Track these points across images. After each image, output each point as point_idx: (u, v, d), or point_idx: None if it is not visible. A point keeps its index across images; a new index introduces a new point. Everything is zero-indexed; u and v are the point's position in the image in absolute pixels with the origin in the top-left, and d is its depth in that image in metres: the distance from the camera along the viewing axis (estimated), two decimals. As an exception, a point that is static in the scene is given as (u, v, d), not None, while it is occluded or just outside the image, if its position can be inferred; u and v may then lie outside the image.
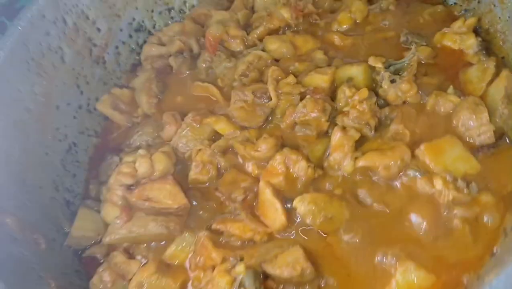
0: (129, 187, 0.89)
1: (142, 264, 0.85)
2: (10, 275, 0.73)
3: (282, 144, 0.89)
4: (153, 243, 0.87)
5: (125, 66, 1.18)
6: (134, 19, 1.17)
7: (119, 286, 0.84)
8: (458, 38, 0.95)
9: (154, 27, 1.20)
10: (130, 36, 1.18)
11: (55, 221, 0.94)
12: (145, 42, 1.18)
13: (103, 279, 0.83)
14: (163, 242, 0.86)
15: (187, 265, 0.83)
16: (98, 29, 1.10)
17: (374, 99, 0.87)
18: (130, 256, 0.87)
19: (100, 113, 1.11)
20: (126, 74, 1.17)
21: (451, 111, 0.86)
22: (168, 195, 0.85)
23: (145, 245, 0.87)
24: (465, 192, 0.77)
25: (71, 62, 1.05)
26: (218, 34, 1.05)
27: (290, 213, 0.82)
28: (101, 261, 0.89)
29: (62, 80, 1.04)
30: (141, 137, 1.01)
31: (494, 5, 0.92)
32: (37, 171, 0.95)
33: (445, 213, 0.77)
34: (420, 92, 0.89)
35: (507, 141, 0.83)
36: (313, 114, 0.87)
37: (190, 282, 0.82)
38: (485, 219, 0.76)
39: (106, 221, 0.92)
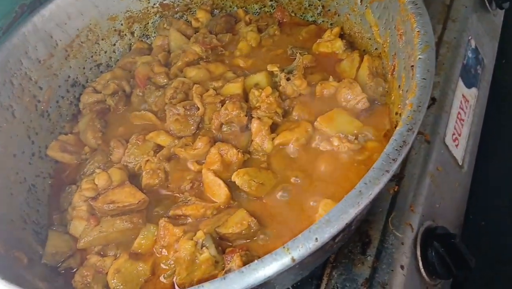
0: (92, 199, 1.05)
1: (116, 258, 1.00)
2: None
3: (214, 141, 1.10)
4: (122, 239, 1.02)
5: (66, 116, 1.34)
6: (69, 77, 1.35)
7: (99, 278, 0.97)
8: (329, 44, 1.25)
9: (87, 81, 1.39)
10: (68, 91, 1.35)
11: (30, 246, 1.06)
12: (81, 94, 1.36)
13: (84, 274, 0.96)
14: (131, 238, 1.02)
15: (154, 250, 1.00)
16: (40, 88, 1.28)
17: (277, 93, 1.13)
18: (103, 255, 1.01)
19: (51, 158, 1.26)
20: (68, 123, 1.33)
21: (334, 93, 1.14)
22: (128, 195, 1.02)
23: (115, 243, 1.02)
24: (355, 142, 1.03)
25: (21, 117, 1.21)
26: (145, 72, 1.28)
27: (230, 187, 1.02)
28: (76, 269, 1.02)
29: (15, 132, 1.19)
30: (93, 166, 1.17)
31: (349, 15, 1.24)
32: (7, 208, 1.07)
33: (345, 160, 1.02)
34: (309, 85, 1.17)
35: (377, 103, 1.11)
36: (234, 113, 1.10)
37: (161, 262, 0.98)
38: (374, 156, 1.02)
39: (75, 236, 1.06)
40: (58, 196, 1.18)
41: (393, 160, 0.73)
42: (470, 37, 1.60)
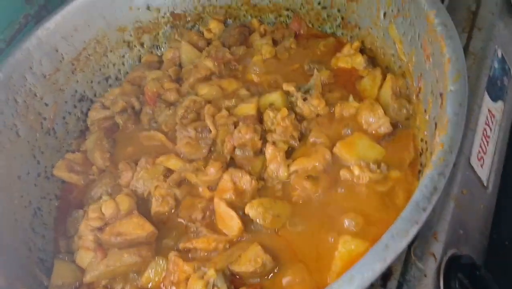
0: (99, 229, 1.00)
1: (123, 293, 0.95)
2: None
3: (227, 166, 1.04)
4: (130, 274, 0.97)
5: (73, 133, 1.29)
6: (76, 91, 1.31)
7: (106, 315, 0.93)
8: (349, 59, 1.18)
9: (95, 95, 1.34)
10: (75, 106, 1.30)
11: (34, 277, 1.01)
12: (88, 109, 1.31)
13: (91, 311, 0.92)
14: (138, 273, 0.97)
15: (162, 286, 0.95)
16: (46, 104, 1.23)
17: (293, 115, 1.07)
18: (110, 290, 0.97)
19: (57, 178, 1.21)
20: (75, 140, 1.28)
21: (354, 114, 1.07)
22: (136, 226, 0.97)
23: (122, 277, 0.97)
24: (377, 172, 0.96)
25: (25, 136, 1.16)
26: (155, 89, 1.22)
27: (244, 219, 0.96)
28: (83, 303, 0.98)
29: (19, 153, 1.14)
30: (100, 189, 1.12)
31: (371, 28, 1.16)
32: (10, 235, 1.03)
33: (366, 191, 0.96)
34: (327, 105, 1.10)
35: (401, 127, 1.04)
36: (247, 136, 1.04)
37: (169, 298, 0.93)
38: (398, 189, 0.95)
39: (82, 266, 1.01)
40: (65, 220, 1.13)
41: (423, 209, 0.67)
42: (496, 46, 1.51)
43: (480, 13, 1.54)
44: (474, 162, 1.28)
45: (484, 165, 1.32)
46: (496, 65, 1.47)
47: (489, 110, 1.39)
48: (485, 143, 1.34)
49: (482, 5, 1.55)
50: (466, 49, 1.45)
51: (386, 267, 0.65)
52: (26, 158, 1.16)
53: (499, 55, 1.50)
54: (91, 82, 1.34)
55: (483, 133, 1.34)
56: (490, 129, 1.37)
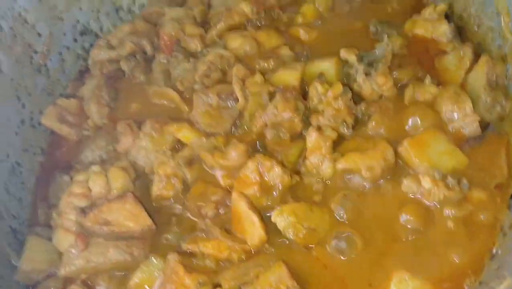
0: (83, 210, 0.79)
1: (104, 295, 0.75)
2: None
3: (253, 150, 0.81)
4: (115, 272, 0.77)
5: (70, 73, 1.08)
6: (78, 22, 1.08)
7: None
8: (430, 26, 0.92)
9: (101, 30, 1.11)
10: (75, 41, 1.08)
11: (1, 254, 0.82)
12: (91, 46, 1.08)
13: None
14: (126, 273, 0.77)
15: (156, 297, 0.74)
16: (39, 34, 1.01)
17: (350, 94, 0.82)
18: (91, 287, 0.77)
19: (45, 128, 1.01)
20: (72, 82, 1.08)
21: (431, 102, 0.81)
22: (129, 216, 0.76)
23: (106, 274, 0.77)
24: (456, 189, 0.72)
25: (9, 72, 0.96)
26: (173, 33, 0.98)
27: (268, 226, 0.74)
28: (56, 298, 0.79)
29: (2, 91, 0.92)
30: (93, 152, 0.92)
31: (466, -9, 0.88)
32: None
33: (436, 215, 0.72)
34: (395, 85, 0.84)
35: (492, 129, 0.78)
36: (285, 115, 0.80)
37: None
38: (481, 217, 0.71)
39: (59, 249, 0.81)
40: (47, 183, 0.93)
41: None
42: None
43: None
44: None
45: None
46: None
47: None
48: None
49: None
50: None
51: None
52: (8, 100, 0.96)
53: None
54: (98, 11, 1.11)
55: None
56: None
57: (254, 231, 0.73)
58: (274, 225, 0.74)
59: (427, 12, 0.93)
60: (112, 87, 1.00)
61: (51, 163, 0.98)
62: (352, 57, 0.84)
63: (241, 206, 0.75)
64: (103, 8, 1.10)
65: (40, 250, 0.83)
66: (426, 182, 0.72)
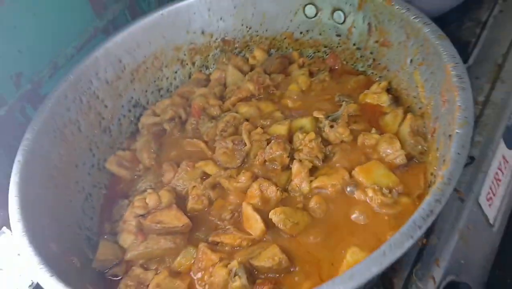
0: (142, 216, 1.16)
1: (157, 273, 1.10)
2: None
3: (256, 176, 1.19)
4: (165, 258, 1.12)
5: (125, 134, 1.47)
6: (132, 98, 1.48)
7: (140, 289, 1.08)
8: (376, 96, 1.32)
9: (147, 103, 1.52)
10: (129, 111, 1.48)
11: (82, 251, 1.17)
12: (141, 115, 1.48)
13: (128, 284, 1.07)
14: (171, 258, 1.12)
15: (191, 273, 1.09)
16: (106, 106, 1.41)
17: (319, 139, 1.21)
18: (146, 269, 1.12)
19: (108, 171, 1.38)
20: (127, 140, 1.46)
21: (374, 144, 1.21)
22: (174, 217, 1.12)
23: (157, 259, 1.13)
24: (389, 196, 1.09)
25: (85, 131, 1.34)
26: (201, 104, 1.39)
27: (267, 223, 1.10)
28: (121, 277, 1.13)
29: (79, 145, 1.31)
30: (145, 184, 1.28)
31: (398, 72, 1.30)
32: (65, 213, 1.19)
33: (376, 213, 1.08)
34: (351, 134, 1.24)
35: (415, 160, 1.17)
36: (278, 152, 1.19)
37: (196, 282, 1.07)
38: (406, 213, 1.08)
39: (123, 246, 1.17)
40: (111, 207, 1.30)
41: (419, 227, 0.80)
42: (517, 99, 1.62)
43: (505, 66, 1.66)
44: (483, 201, 1.39)
45: (493, 205, 1.43)
46: (514, 116, 1.58)
47: (503, 157, 1.50)
48: (496, 186, 1.44)
49: (508, 59, 1.67)
50: (487, 98, 1.58)
51: (381, 270, 0.77)
52: (84, 151, 1.33)
53: (519, 107, 1.60)
54: (146, 91, 1.51)
55: (495, 177, 1.45)
56: (502, 173, 1.48)
57: (257, 226, 1.09)
58: (271, 222, 1.11)
59: (374, 87, 1.34)
60: (158, 141, 1.37)
61: (112, 194, 1.35)
62: (321, 116, 1.25)
63: (248, 209, 1.11)
64: (150, 89, 1.52)
65: (109, 248, 1.17)
66: (370, 192, 1.10)
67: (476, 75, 1.62)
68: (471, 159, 1.42)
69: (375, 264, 0.77)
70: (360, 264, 0.77)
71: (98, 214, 1.30)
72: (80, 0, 1.50)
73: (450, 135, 0.93)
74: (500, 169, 1.48)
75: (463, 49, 1.66)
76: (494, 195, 1.44)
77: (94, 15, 1.56)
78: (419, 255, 1.24)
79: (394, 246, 0.78)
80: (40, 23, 1.39)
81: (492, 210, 1.43)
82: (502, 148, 1.51)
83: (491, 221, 1.42)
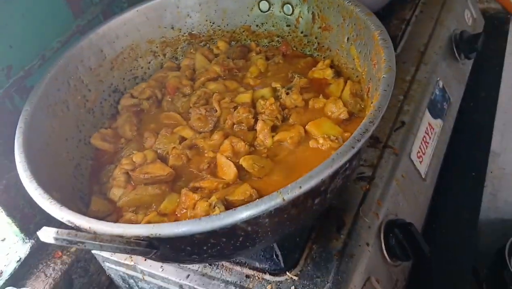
0: (130, 170, 1.35)
1: (146, 215, 1.28)
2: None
3: (227, 135, 1.41)
4: (151, 203, 1.31)
5: (107, 115, 1.64)
6: (112, 84, 1.67)
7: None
8: (322, 72, 1.57)
9: (125, 89, 1.72)
10: (109, 95, 1.67)
11: (77, 206, 1.34)
12: (120, 99, 1.69)
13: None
14: (157, 204, 1.31)
15: (176, 211, 1.28)
16: (89, 90, 1.59)
17: (278, 103, 1.45)
18: (136, 214, 1.30)
19: (92, 146, 1.56)
20: (108, 120, 1.63)
21: (322, 106, 1.46)
22: (159, 168, 1.31)
23: (145, 206, 1.31)
24: (335, 141, 1.34)
25: (73, 110, 1.51)
26: (175, 83, 1.61)
27: (239, 169, 1.32)
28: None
29: (68, 122, 1.49)
30: (129, 151, 1.48)
31: (338, 50, 1.56)
32: (60, 177, 1.36)
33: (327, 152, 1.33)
34: (304, 100, 1.50)
35: (355, 115, 1.43)
36: (244, 115, 1.41)
37: (182, 218, 1.26)
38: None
39: (114, 200, 1.35)
40: (98, 173, 1.47)
41: (358, 140, 1.04)
42: (438, 78, 1.95)
43: (427, 52, 1.99)
44: (414, 158, 1.67)
45: (423, 162, 1.71)
46: (437, 92, 1.91)
47: (429, 124, 1.80)
48: (424, 146, 1.74)
49: (429, 47, 2.01)
50: (413, 77, 1.89)
51: (332, 172, 1.01)
52: (72, 127, 1.50)
53: (440, 85, 1.94)
54: (123, 79, 1.71)
55: (423, 139, 1.74)
56: (429, 137, 1.78)
57: (230, 171, 1.30)
58: (242, 168, 1.32)
59: (319, 65, 1.60)
60: (137, 118, 1.60)
61: (98, 164, 1.53)
62: (278, 85, 1.50)
63: (222, 159, 1.32)
64: (126, 76, 1.71)
65: (101, 202, 1.33)
66: (320, 140, 1.34)
67: (403, 60, 1.94)
68: (402, 123, 1.71)
69: (327, 167, 1.00)
70: (316, 168, 1.00)
71: (87, 179, 1.47)
72: (62, 5, 1.72)
73: (378, 79, 1.20)
74: (427, 133, 1.78)
75: (392, 41, 1.98)
76: (423, 154, 1.73)
77: (73, 17, 1.77)
78: (364, 198, 1.50)
79: (341, 154, 1.02)
80: (28, 22, 1.60)
81: (423, 166, 1.72)
82: (427, 116, 1.82)
83: (423, 175, 1.71)
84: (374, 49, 1.35)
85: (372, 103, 1.15)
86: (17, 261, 1.65)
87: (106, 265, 1.59)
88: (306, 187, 0.98)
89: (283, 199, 0.97)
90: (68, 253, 1.72)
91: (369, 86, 1.40)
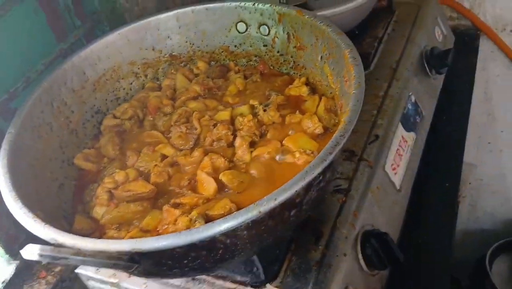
0: (113, 189, 1.39)
1: (128, 232, 1.32)
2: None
3: (207, 152, 1.46)
4: (134, 221, 1.34)
5: (90, 136, 1.68)
6: (94, 105, 1.71)
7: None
8: (298, 89, 1.64)
9: (107, 110, 1.76)
10: (92, 116, 1.70)
11: (62, 226, 1.37)
12: (102, 119, 1.73)
13: (106, 239, 1.28)
14: (140, 220, 1.35)
15: (158, 228, 1.32)
16: (72, 111, 1.63)
17: (256, 120, 1.51)
18: (119, 230, 1.33)
19: (76, 166, 1.59)
20: (91, 140, 1.67)
21: (298, 122, 1.52)
22: (141, 186, 1.35)
23: (128, 223, 1.34)
24: (311, 155, 1.40)
25: (56, 132, 1.54)
26: (156, 103, 1.66)
27: (218, 184, 1.36)
28: (97, 241, 1.33)
29: (52, 143, 1.53)
30: (111, 169, 1.51)
31: (313, 68, 1.63)
32: (45, 196, 1.39)
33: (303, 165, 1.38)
34: (281, 117, 1.56)
35: (330, 130, 1.49)
36: (223, 132, 1.46)
37: (164, 233, 1.30)
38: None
39: (97, 218, 1.38)
40: (81, 193, 1.50)
41: (329, 153, 1.10)
42: (410, 93, 2.03)
43: (399, 69, 2.08)
44: (388, 170, 1.74)
45: (397, 174, 1.78)
46: (409, 106, 1.99)
47: (402, 137, 1.87)
48: (399, 159, 1.81)
49: (401, 63, 2.10)
50: (386, 93, 1.97)
51: (305, 184, 1.06)
52: (56, 148, 1.53)
53: (413, 99, 2.02)
54: (106, 100, 1.75)
55: (397, 152, 1.81)
56: (403, 150, 1.85)
57: (210, 186, 1.34)
58: (221, 182, 1.36)
59: (295, 83, 1.67)
60: (120, 137, 1.64)
61: (81, 184, 1.56)
62: (255, 103, 1.56)
63: (202, 175, 1.36)
64: (109, 98, 1.75)
65: (84, 220, 1.36)
66: (297, 154, 1.39)
67: (376, 77, 2.03)
68: (376, 137, 1.78)
69: (300, 179, 1.05)
70: (289, 181, 1.05)
71: (71, 199, 1.50)
72: (45, 29, 1.78)
73: (349, 95, 1.26)
74: (400, 146, 1.85)
75: (365, 58, 2.07)
76: (397, 166, 1.80)
77: (56, 41, 1.82)
78: (340, 209, 1.55)
79: (313, 166, 1.07)
80: (12, 45, 1.65)
81: (397, 177, 1.78)
82: (401, 130, 1.89)
83: (397, 187, 1.77)
84: (345, 67, 1.41)
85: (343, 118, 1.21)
86: (2, 282, 1.66)
87: (91, 284, 1.61)
88: (281, 199, 1.03)
89: (259, 212, 1.02)
90: (53, 273, 1.73)
91: (342, 102, 1.46)
